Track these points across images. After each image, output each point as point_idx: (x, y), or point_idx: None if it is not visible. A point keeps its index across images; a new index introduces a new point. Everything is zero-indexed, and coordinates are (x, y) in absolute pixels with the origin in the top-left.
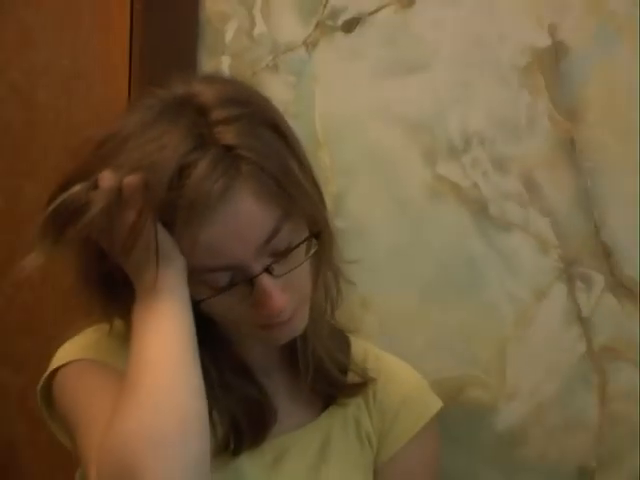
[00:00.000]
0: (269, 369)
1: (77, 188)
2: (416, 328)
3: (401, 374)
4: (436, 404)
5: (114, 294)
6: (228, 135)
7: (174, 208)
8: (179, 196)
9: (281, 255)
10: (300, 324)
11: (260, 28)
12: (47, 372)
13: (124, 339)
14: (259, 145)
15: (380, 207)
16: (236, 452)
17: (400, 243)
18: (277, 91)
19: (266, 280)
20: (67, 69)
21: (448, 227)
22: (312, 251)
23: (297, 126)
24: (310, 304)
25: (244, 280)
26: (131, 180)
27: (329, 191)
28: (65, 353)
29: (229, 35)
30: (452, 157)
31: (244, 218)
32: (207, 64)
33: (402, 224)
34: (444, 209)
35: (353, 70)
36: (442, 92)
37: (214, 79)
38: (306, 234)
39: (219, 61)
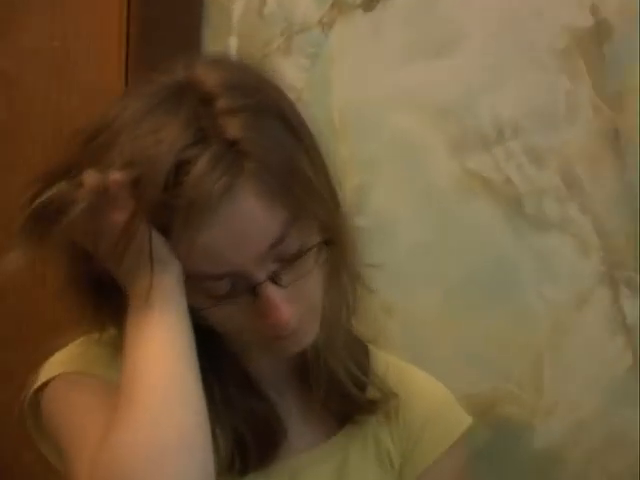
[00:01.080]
0: (277, 382)
1: (61, 185)
2: (443, 337)
3: (426, 388)
4: (465, 421)
5: (105, 301)
6: (232, 128)
7: (170, 209)
8: (176, 196)
9: (288, 261)
10: (308, 337)
11: (271, 6)
12: (33, 387)
13: (116, 349)
14: (266, 140)
15: (403, 204)
16: (242, 473)
17: (425, 243)
18: (289, 76)
19: (271, 289)
20: (56, 52)
21: (478, 226)
22: (322, 258)
23: (311, 115)
24: (323, 311)
25: (246, 289)
26: (117, 177)
27: (348, 186)
28: (53, 366)
29: (237, 14)
30: (483, 148)
31: (247, 221)
32: (212, 46)
33: (428, 222)
34: (474, 206)
35: (374, 52)
36: (472, 77)
37: (220, 63)
38: (317, 239)
39: (226, 43)
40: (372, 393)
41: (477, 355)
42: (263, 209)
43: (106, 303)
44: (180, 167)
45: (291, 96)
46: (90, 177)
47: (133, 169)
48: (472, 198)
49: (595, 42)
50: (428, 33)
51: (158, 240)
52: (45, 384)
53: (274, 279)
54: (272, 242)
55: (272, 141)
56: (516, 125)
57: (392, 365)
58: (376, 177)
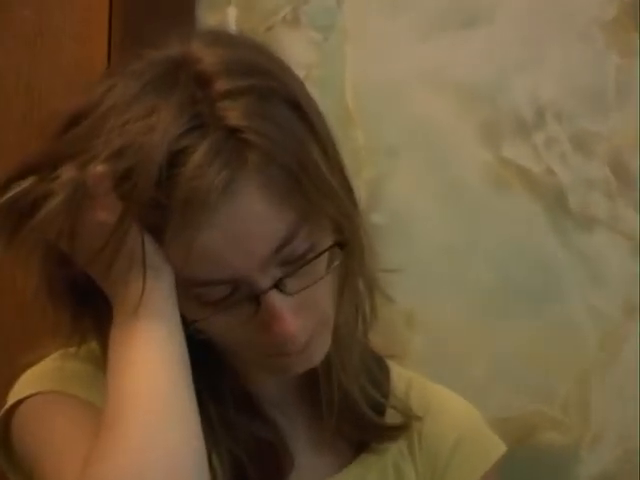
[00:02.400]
0: (284, 404)
1: (34, 178)
2: (472, 351)
3: (454, 411)
4: (498, 449)
5: (85, 310)
6: (233, 114)
7: (162, 207)
8: (169, 192)
9: (296, 267)
10: (318, 353)
11: None
12: (3, 409)
13: (98, 365)
14: (271, 128)
15: (426, 199)
16: None
17: (452, 244)
18: (297, 51)
19: (275, 298)
20: (28, 22)
21: (515, 224)
22: (335, 263)
23: (323, 96)
24: (335, 324)
25: (247, 297)
26: (100, 170)
27: (363, 178)
28: (25, 385)
29: None
30: (520, 135)
31: (250, 221)
32: (209, 18)
33: (455, 220)
34: (510, 201)
35: (394, 25)
36: (506, 52)
37: (218, 38)
38: (329, 242)
39: (224, 14)
40: (392, 417)
41: (513, 373)
42: (268, 207)
43: (86, 312)
44: (174, 159)
45: (299, 75)
46: (68, 169)
47: (120, 161)
48: (507, 192)
49: None
50: (456, 3)
51: (150, 243)
52: (16, 406)
53: (279, 286)
54: (278, 245)
55: (279, 129)
56: (558, 108)
57: (414, 384)
58: (395, 168)
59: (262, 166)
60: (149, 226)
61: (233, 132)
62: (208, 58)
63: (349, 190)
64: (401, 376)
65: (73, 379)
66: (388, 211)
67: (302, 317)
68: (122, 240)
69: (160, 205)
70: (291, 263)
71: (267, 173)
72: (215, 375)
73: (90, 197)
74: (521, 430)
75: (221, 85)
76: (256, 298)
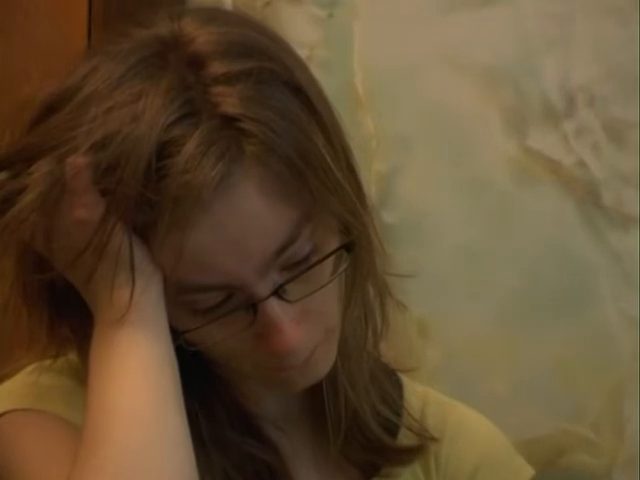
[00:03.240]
0: (285, 422)
1: (5, 174)
2: (495, 364)
3: (475, 431)
4: (525, 472)
5: (63, 318)
6: (229, 100)
7: (150, 204)
8: (158, 188)
9: (298, 272)
10: (323, 367)
11: None
12: None
13: (77, 379)
14: (272, 116)
15: (445, 193)
16: None
17: (473, 245)
18: (300, 30)
19: (275, 306)
20: None
21: (542, 220)
22: (342, 267)
23: (328, 80)
24: (342, 334)
25: (244, 305)
26: (76, 162)
27: (374, 171)
28: None
29: None
30: (548, 123)
31: (247, 220)
32: None
33: (476, 218)
34: (536, 195)
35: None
36: (531, 30)
37: (211, 16)
38: (335, 243)
39: None
40: (406, 438)
41: (540, 388)
42: (268, 204)
43: (65, 321)
44: (163, 150)
45: (301, 56)
46: (44, 164)
47: (103, 152)
48: (533, 186)
49: None
50: None
51: (137, 244)
52: None
53: (279, 293)
54: (279, 247)
55: (279, 117)
56: (590, 93)
57: (431, 401)
58: (409, 159)
59: (261, 158)
60: (135, 225)
61: (229, 121)
62: (201, 38)
63: (358, 185)
64: (416, 392)
65: (49, 395)
66: (400, 208)
67: (305, 327)
68: (106, 241)
69: (147, 202)
70: (293, 267)
71: (266, 166)
72: (208, 390)
73: (68, 193)
74: (549, 452)
75: (215, 68)
76: (253, 306)
